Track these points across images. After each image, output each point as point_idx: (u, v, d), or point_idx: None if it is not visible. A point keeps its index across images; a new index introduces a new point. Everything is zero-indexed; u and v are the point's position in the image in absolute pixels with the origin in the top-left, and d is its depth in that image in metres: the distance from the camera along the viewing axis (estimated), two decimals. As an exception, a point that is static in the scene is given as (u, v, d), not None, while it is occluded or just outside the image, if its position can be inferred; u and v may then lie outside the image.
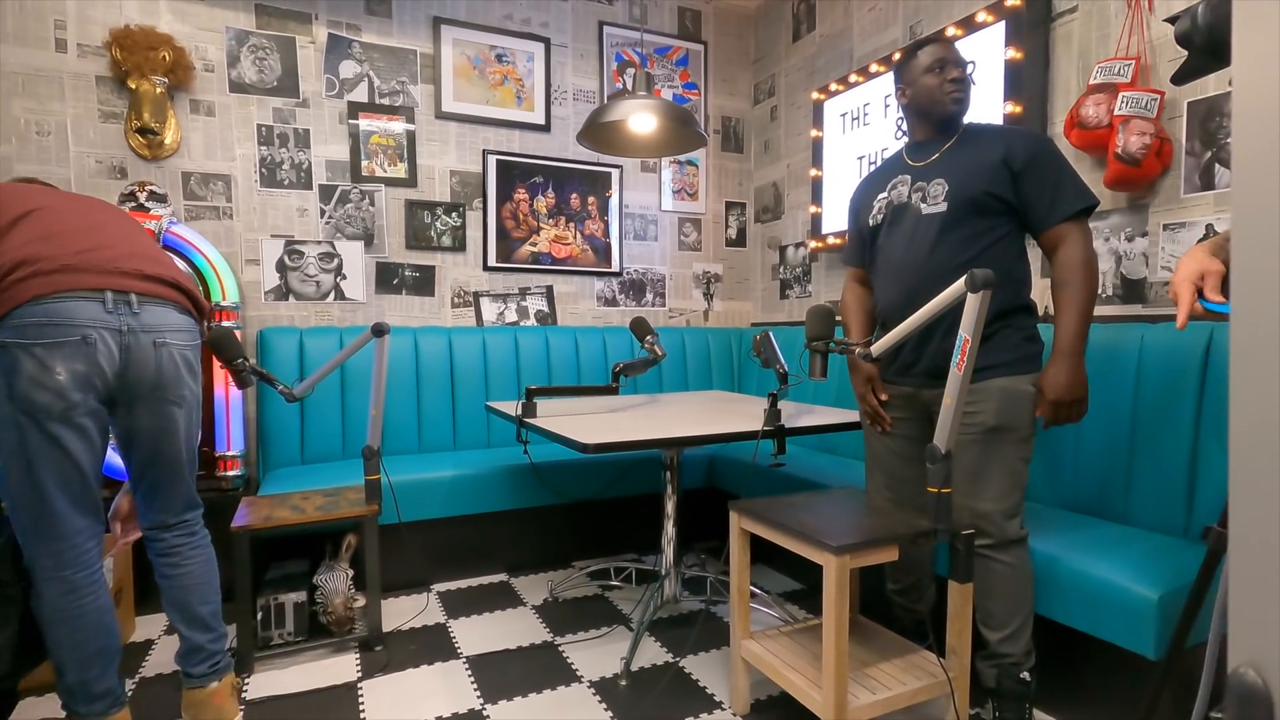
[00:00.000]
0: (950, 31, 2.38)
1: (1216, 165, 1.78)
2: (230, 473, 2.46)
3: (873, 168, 2.77)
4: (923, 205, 1.59)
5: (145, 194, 2.51)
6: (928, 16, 2.60)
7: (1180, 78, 1.14)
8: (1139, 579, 1.40)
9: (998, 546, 1.50)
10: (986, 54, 2.26)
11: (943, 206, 1.55)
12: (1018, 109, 2.16)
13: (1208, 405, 1.62)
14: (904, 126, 2.37)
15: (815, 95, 3.07)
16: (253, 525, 1.83)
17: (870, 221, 1.71)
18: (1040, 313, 2.02)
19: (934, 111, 1.62)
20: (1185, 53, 1.09)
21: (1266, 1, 0.30)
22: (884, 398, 1.73)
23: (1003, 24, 2.21)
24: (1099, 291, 2.07)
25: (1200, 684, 0.99)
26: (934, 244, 1.55)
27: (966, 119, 1.65)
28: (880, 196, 1.70)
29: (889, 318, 1.65)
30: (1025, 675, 1.50)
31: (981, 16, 2.26)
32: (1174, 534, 1.65)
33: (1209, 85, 1.77)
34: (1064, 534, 1.64)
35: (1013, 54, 2.17)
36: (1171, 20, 1.10)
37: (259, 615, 1.90)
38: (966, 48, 2.32)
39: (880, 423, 1.72)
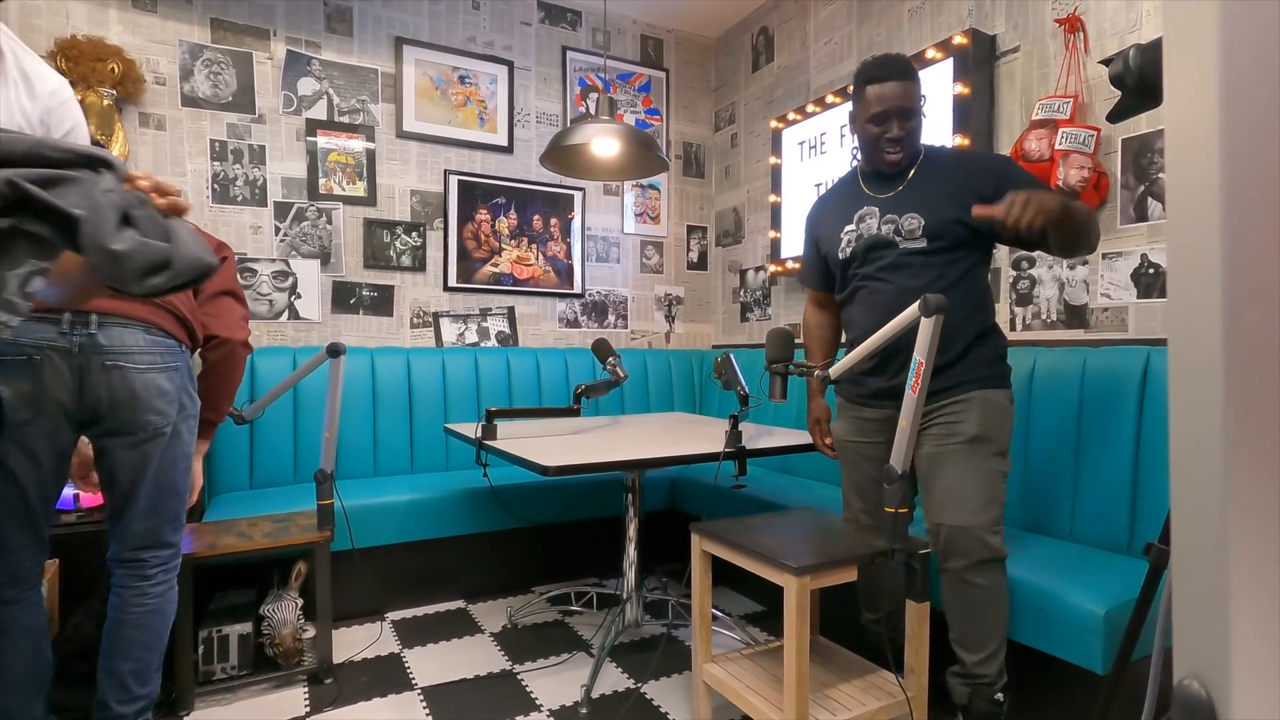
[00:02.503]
0: (902, 66, 2.47)
1: (1149, 198, 1.88)
2: (173, 498, 2.35)
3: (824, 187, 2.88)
4: (899, 239, 1.59)
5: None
6: (880, 51, 2.70)
7: (1115, 116, 1.20)
8: (1086, 595, 1.44)
9: (975, 567, 1.47)
10: (936, 89, 2.35)
11: (922, 242, 1.56)
12: (965, 141, 2.26)
13: (1146, 425, 1.70)
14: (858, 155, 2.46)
15: (774, 124, 3.15)
16: (196, 553, 1.75)
17: (839, 254, 1.69)
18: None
19: (870, 159, 1.64)
20: (1119, 93, 1.15)
21: (1192, 47, 0.32)
22: (828, 441, 1.82)
23: (950, 61, 2.31)
24: (1045, 317, 2.16)
25: (1146, 697, 1.02)
26: (914, 276, 1.56)
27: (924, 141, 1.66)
28: (848, 229, 1.68)
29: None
30: (999, 696, 1.48)
31: (931, 53, 2.36)
32: (1118, 550, 1.71)
33: (1141, 123, 1.88)
34: (1013, 551, 1.69)
35: (960, 89, 2.27)
36: (1106, 62, 1.16)
37: (200, 649, 1.81)
38: (917, 82, 2.42)
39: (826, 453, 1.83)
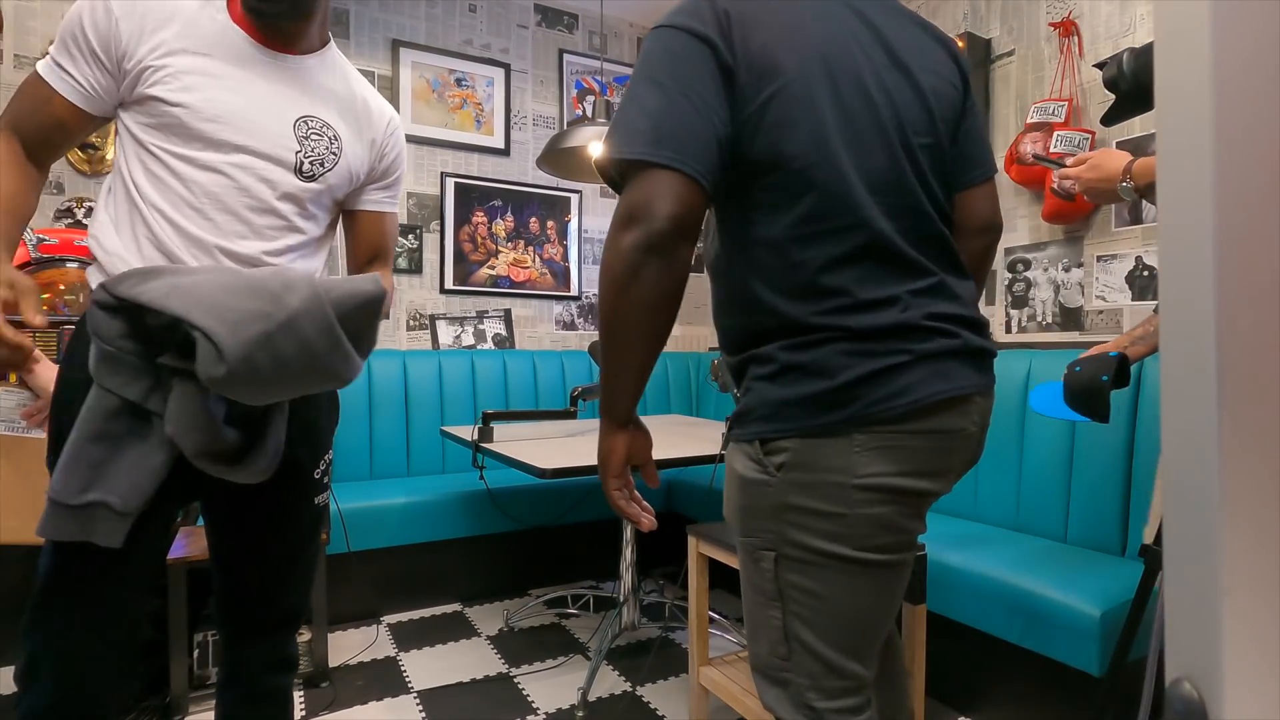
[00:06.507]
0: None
1: (1144, 201, 1.89)
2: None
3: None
4: None
5: (83, 210, 2.41)
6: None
7: (1109, 119, 1.21)
8: (1081, 597, 1.45)
9: None
10: (931, 92, 2.36)
11: None
12: (961, 144, 2.27)
13: (1140, 427, 1.70)
14: None
15: (770, 127, 3.16)
16: (191, 557, 1.75)
17: None
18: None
19: None
20: (1113, 96, 1.16)
21: (1183, 50, 0.32)
22: None
23: (946, 64, 2.32)
24: (1041, 319, 2.15)
25: (1142, 698, 1.03)
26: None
27: None
28: None
29: None
30: None
31: (926, 56, 2.37)
32: (1112, 552, 1.72)
33: (1135, 126, 1.88)
34: (1009, 553, 1.69)
35: (956, 93, 2.28)
36: (1100, 66, 1.17)
37: (195, 652, 1.80)
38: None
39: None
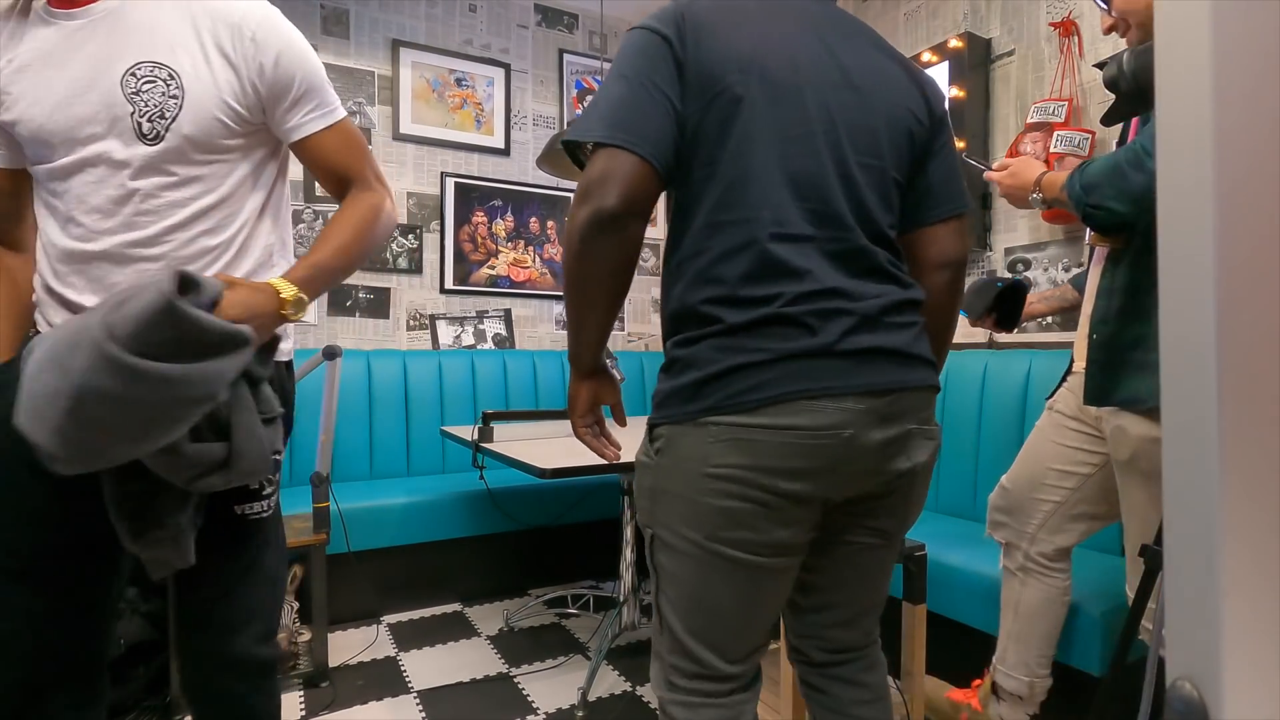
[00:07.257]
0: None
1: (1143, 201, 1.90)
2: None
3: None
4: None
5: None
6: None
7: (1109, 119, 1.21)
8: (1083, 597, 1.45)
9: None
10: (931, 92, 2.37)
11: None
12: (962, 144, 2.27)
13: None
14: None
15: (770, 126, 3.16)
16: (191, 557, 1.75)
17: None
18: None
19: None
20: (1113, 96, 1.16)
21: (1183, 50, 0.32)
22: None
23: (946, 64, 2.32)
24: (1040, 319, 2.16)
25: (1141, 698, 1.03)
26: None
27: None
28: None
29: None
30: None
31: (927, 57, 2.37)
32: (1112, 552, 1.72)
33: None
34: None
35: (956, 93, 2.28)
36: (1100, 66, 1.17)
37: (195, 652, 1.80)
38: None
39: None
